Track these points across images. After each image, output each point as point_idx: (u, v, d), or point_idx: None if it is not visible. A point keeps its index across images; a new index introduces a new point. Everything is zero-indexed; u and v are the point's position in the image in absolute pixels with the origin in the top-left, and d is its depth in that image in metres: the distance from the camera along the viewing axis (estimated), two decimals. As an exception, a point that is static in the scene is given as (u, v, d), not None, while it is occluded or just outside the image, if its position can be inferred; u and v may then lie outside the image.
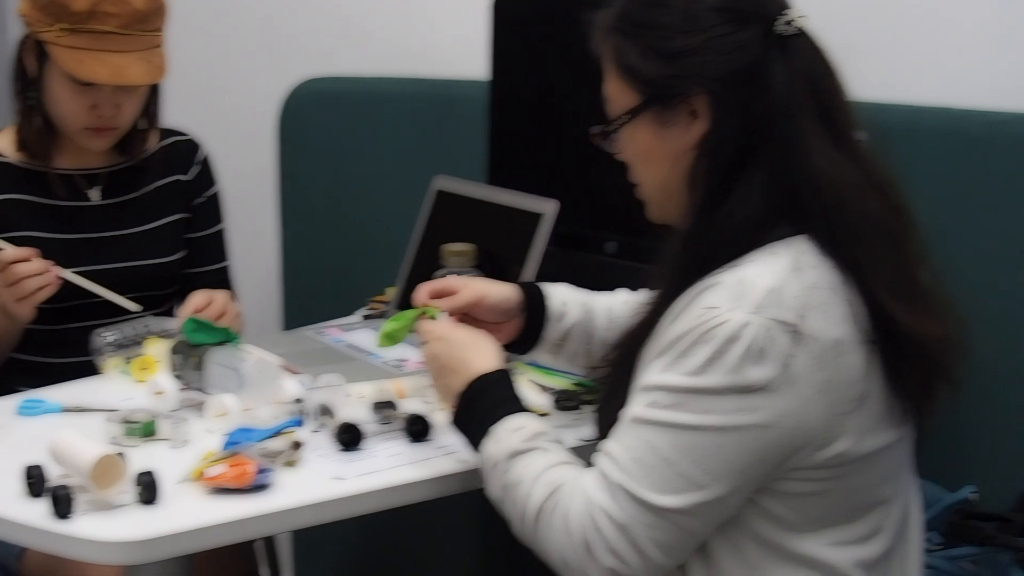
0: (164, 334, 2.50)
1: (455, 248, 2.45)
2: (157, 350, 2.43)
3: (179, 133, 2.86)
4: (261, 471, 1.90)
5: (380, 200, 3.33)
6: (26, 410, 2.25)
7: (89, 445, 1.85)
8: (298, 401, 2.15)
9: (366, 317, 2.90)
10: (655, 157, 1.83)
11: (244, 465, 1.89)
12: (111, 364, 2.46)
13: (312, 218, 3.44)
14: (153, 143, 2.80)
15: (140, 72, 2.56)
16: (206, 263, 2.87)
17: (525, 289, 2.16)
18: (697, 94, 1.76)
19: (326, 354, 2.59)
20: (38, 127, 2.66)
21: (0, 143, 2.71)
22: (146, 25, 2.57)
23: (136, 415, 2.11)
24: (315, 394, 2.15)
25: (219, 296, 2.60)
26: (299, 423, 2.05)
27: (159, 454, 2.05)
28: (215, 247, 2.89)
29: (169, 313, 2.83)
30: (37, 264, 2.49)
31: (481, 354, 1.95)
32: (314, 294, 3.46)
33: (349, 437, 2.07)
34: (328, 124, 3.37)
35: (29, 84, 2.64)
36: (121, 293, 2.63)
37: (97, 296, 2.59)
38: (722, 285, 1.70)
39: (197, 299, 2.59)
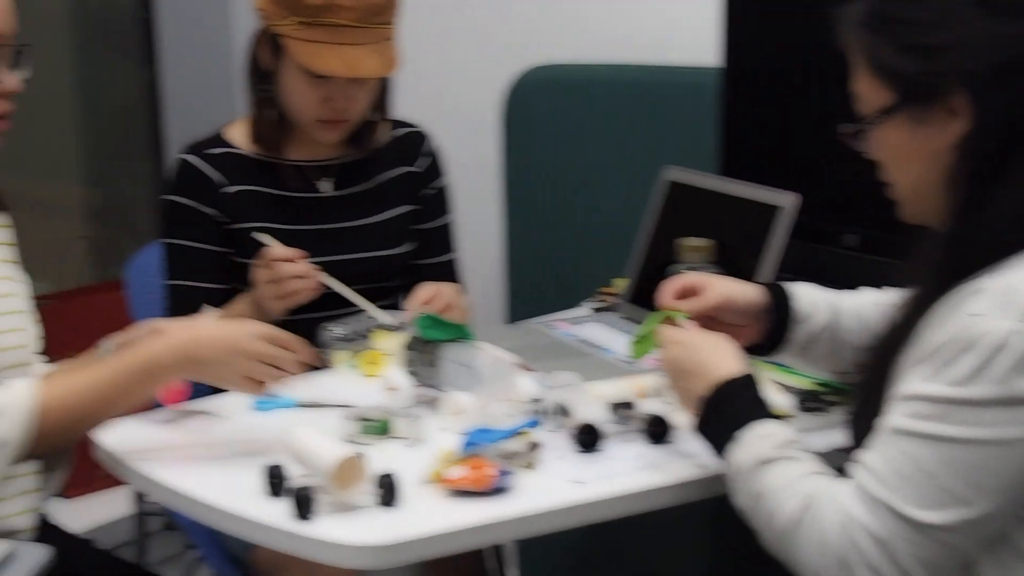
0: (390, 328, 2.48)
1: (692, 243, 2.38)
2: (384, 344, 2.41)
3: (409, 124, 2.84)
4: (501, 474, 1.86)
5: (606, 190, 3.28)
6: (262, 405, 2.25)
7: (330, 445, 1.83)
8: (535, 400, 2.10)
9: (596, 310, 2.84)
10: (910, 157, 1.74)
11: (484, 468, 1.86)
12: (339, 358, 2.44)
13: (537, 208, 3.40)
14: (383, 135, 2.78)
15: (374, 64, 2.55)
16: (434, 255, 2.84)
17: (770, 289, 2.08)
18: (956, 92, 1.67)
19: (557, 349, 2.54)
20: (272, 119, 2.66)
21: (234, 135, 2.72)
22: (379, 18, 2.55)
23: (372, 412, 2.10)
24: (552, 393, 2.10)
25: (446, 289, 2.57)
26: (536, 424, 2.00)
27: (394, 452, 2.04)
28: (443, 239, 2.87)
29: (395, 305, 2.82)
30: (302, 266, 2.51)
31: (724, 358, 1.88)
32: (538, 286, 3.42)
33: (588, 438, 2.02)
34: (554, 112, 3.32)
35: (263, 77, 2.65)
36: (349, 284, 2.62)
37: (326, 289, 2.57)
38: (988, 291, 1.60)
39: (424, 292, 2.57)
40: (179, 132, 4.34)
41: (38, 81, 2.10)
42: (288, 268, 2.50)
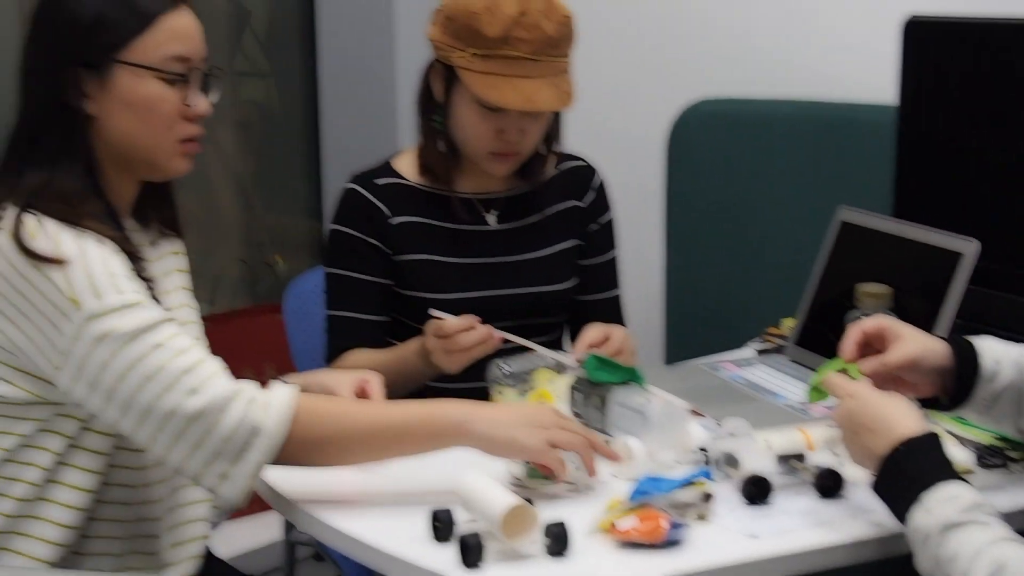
0: (554, 367, 2.44)
1: (870, 290, 2.31)
2: (551, 384, 2.38)
3: (575, 158, 2.80)
4: (674, 526, 1.81)
5: (772, 227, 3.22)
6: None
7: (500, 492, 1.79)
8: (702, 450, 2.05)
9: (760, 352, 2.78)
10: None
11: (656, 519, 1.81)
12: (506, 395, 2.41)
13: (699, 244, 3.36)
14: (550, 168, 2.75)
15: (549, 97, 2.52)
16: (598, 291, 2.80)
17: (954, 344, 2.01)
18: None
19: (724, 393, 2.48)
20: (442, 151, 2.64)
21: (401, 165, 2.70)
22: (556, 50, 2.52)
23: None
24: (720, 442, 2.05)
25: (616, 332, 2.53)
26: (709, 474, 1.95)
27: (560, 498, 2.00)
28: (608, 275, 2.82)
29: (558, 341, 2.79)
30: (480, 332, 2.43)
31: (905, 415, 1.82)
32: (698, 324, 3.37)
33: (757, 491, 1.97)
34: (719, 147, 3.28)
35: (435, 108, 2.63)
36: (512, 319, 2.59)
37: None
38: None
39: (592, 333, 2.53)
40: (337, 160, 4.36)
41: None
42: (466, 339, 2.41)
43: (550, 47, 2.50)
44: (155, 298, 2.01)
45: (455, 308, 2.57)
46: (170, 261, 2.21)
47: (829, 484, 1.98)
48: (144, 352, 1.88)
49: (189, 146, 2.06)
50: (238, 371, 2.13)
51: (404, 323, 2.67)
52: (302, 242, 4.61)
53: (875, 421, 1.82)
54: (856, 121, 3.04)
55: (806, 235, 2.80)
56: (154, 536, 2.08)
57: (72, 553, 2.00)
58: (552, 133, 2.69)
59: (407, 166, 2.70)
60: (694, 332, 3.35)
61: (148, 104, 2.00)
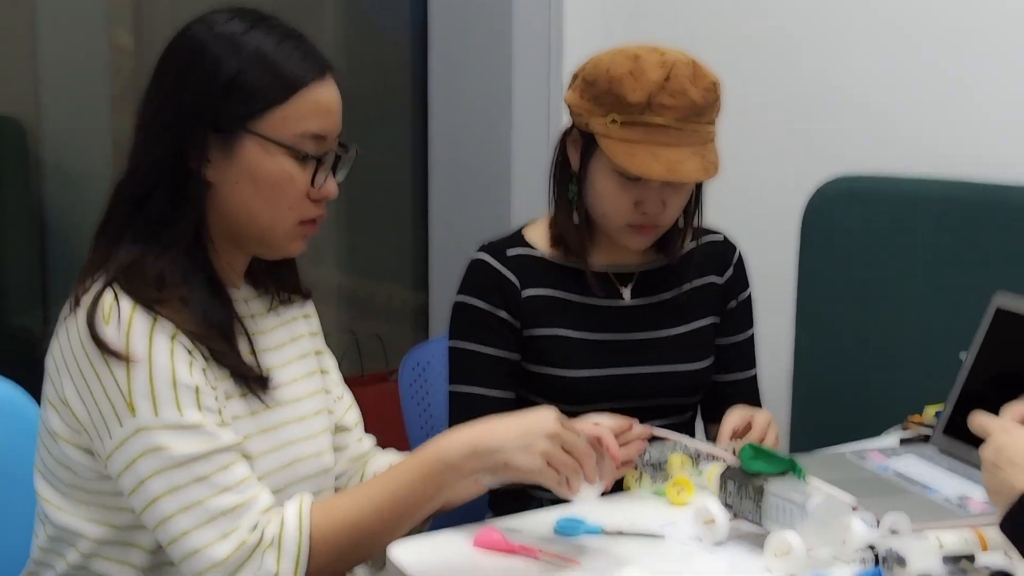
0: (691, 454, 2.33)
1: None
2: (685, 471, 2.27)
3: (713, 232, 2.70)
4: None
5: (910, 312, 3.10)
6: (564, 528, 2.11)
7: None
8: (870, 548, 1.93)
9: (903, 441, 2.65)
10: None
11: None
12: (641, 483, 2.30)
13: (831, 326, 3.24)
14: (688, 242, 2.64)
15: (694, 168, 2.41)
16: (736, 370, 2.70)
17: None
18: None
19: (875, 485, 2.35)
20: (576, 223, 2.54)
21: (533, 236, 2.61)
22: (702, 118, 2.42)
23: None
24: (889, 539, 1.93)
25: (759, 417, 2.42)
26: (880, 574, 1.82)
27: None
28: (745, 354, 2.72)
29: (690, 423, 2.68)
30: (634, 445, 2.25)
31: None
32: (827, 409, 3.25)
33: (927, 593, 1.84)
34: (857, 225, 3.18)
35: (570, 177, 2.54)
36: (645, 398, 2.50)
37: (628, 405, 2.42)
38: None
39: (735, 418, 2.42)
40: (444, 229, 4.27)
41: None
42: (614, 447, 2.17)
43: (695, 114, 2.40)
44: (263, 375, 1.93)
45: (586, 386, 2.49)
46: (298, 326, 2.12)
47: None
48: (185, 482, 1.79)
49: (308, 227, 1.95)
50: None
51: (531, 401, 2.56)
52: (407, 312, 4.53)
53: (1021, 455, 1.74)
54: (1006, 203, 2.92)
55: (946, 320, 2.70)
56: None
57: None
58: (693, 206, 2.58)
59: (539, 237, 2.61)
60: (822, 418, 3.23)
61: (274, 181, 1.88)
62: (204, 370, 1.84)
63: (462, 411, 2.55)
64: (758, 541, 2.01)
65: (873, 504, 2.19)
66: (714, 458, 2.26)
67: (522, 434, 1.85)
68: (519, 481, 1.92)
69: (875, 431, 2.74)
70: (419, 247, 4.49)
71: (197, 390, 1.81)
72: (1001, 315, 2.54)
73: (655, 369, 2.58)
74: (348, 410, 2.22)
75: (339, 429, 2.18)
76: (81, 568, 1.91)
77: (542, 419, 1.87)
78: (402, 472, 1.88)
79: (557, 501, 2.40)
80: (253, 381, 1.92)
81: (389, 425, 2.99)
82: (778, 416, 3.25)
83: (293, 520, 1.82)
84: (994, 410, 2.17)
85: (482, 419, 1.93)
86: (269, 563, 1.79)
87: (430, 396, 2.88)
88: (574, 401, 2.52)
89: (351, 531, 1.85)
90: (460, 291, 2.59)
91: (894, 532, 2.07)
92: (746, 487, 2.05)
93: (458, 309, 2.59)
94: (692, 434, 2.67)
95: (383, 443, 2.31)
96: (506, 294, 2.54)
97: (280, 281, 2.08)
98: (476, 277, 2.58)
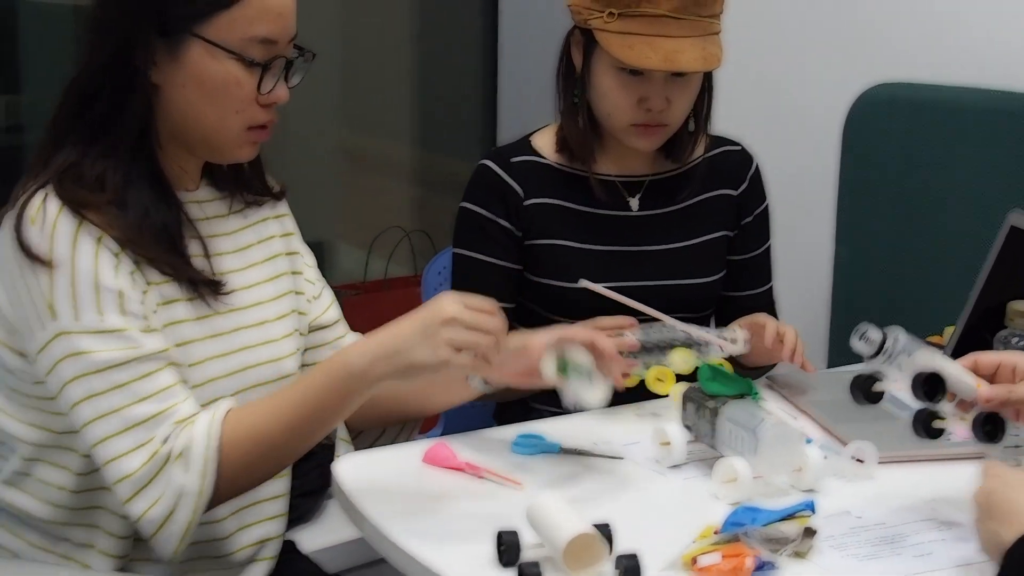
0: (694, 345, 2.30)
1: (1022, 308, 2.11)
2: (680, 363, 2.25)
3: (730, 142, 2.64)
4: (761, 566, 1.67)
5: (948, 226, 3.01)
6: (521, 447, 2.10)
7: (568, 519, 1.66)
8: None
9: (917, 362, 2.59)
10: None
11: (742, 556, 1.66)
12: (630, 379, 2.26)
13: (870, 239, 3.17)
14: (700, 151, 2.59)
15: (693, 58, 2.36)
16: (749, 286, 2.64)
17: None
18: None
19: (861, 408, 2.29)
20: (582, 126, 2.50)
21: (540, 143, 2.58)
22: (702, 10, 2.36)
23: (576, 355, 1.99)
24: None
25: (770, 324, 2.36)
26: (813, 507, 1.79)
27: (652, 517, 1.89)
28: (760, 268, 2.66)
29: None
30: (628, 341, 2.26)
31: None
32: (864, 322, 3.16)
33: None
34: (898, 135, 3.09)
35: (575, 80, 2.50)
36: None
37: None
38: None
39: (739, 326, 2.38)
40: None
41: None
42: (610, 347, 2.15)
43: (695, 4, 2.35)
44: (214, 278, 1.93)
45: (588, 299, 2.45)
46: (268, 227, 2.11)
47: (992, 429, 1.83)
48: (103, 389, 1.80)
49: (257, 133, 1.93)
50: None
51: (532, 311, 2.56)
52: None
53: (1010, 504, 1.63)
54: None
55: (984, 238, 2.59)
56: (220, 539, 1.99)
57: (130, 561, 1.95)
58: (702, 109, 2.53)
59: (546, 144, 2.58)
60: (860, 334, 3.15)
61: (220, 85, 1.86)
62: (132, 274, 1.84)
63: (463, 320, 2.54)
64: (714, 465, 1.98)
65: (851, 429, 2.16)
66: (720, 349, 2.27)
67: (420, 329, 1.80)
68: (431, 374, 1.86)
69: (913, 348, 2.68)
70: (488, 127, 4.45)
71: (121, 294, 1.81)
72: (1016, 233, 2.45)
73: (662, 282, 2.54)
74: (327, 308, 2.20)
75: (317, 328, 2.17)
76: (23, 474, 1.95)
77: (437, 307, 1.81)
78: (309, 383, 1.86)
79: (559, 412, 2.42)
80: (202, 285, 1.92)
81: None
82: (817, 330, 3.21)
83: (202, 432, 1.82)
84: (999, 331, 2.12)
85: (381, 333, 1.89)
86: (177, 476, 1.80)
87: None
88: (576, 314, 2.48)
89: (260, 443, 1.85)
90: (464, 198, 2.57)
91: (858, 460, 2.03)
92: (703, 409, 2.02)
93: (461, 215, 2.57)
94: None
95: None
96: (508, 202, 2.52)
97: (242, 183, 2.07)
98: (479, 184, 2.56)
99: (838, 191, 3.19)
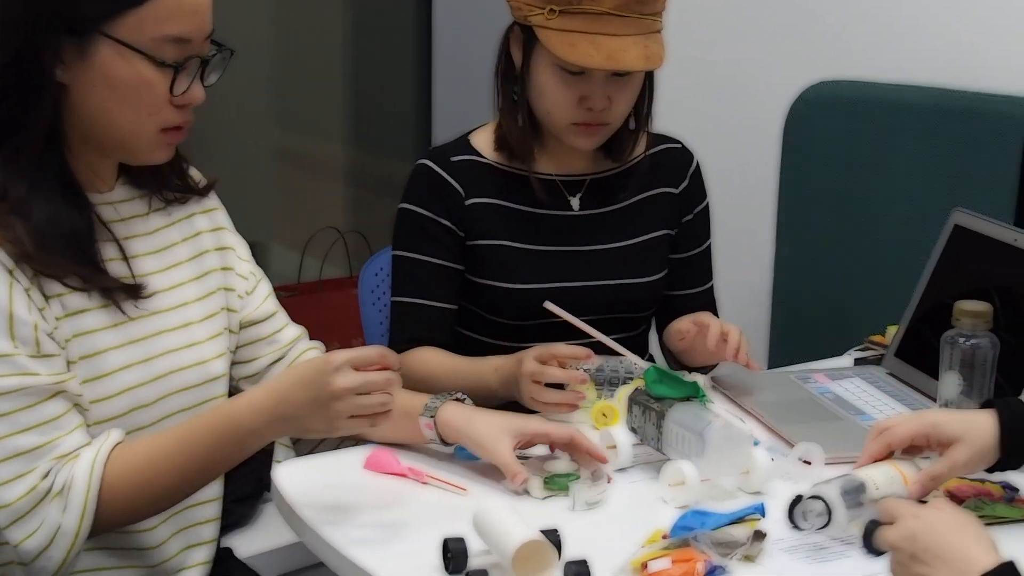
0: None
1: (970, 308, 2.11)
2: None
3: (671, 140, 2.62)
4: (711, 572, 1.66)
5: (891, 225, 3.02)
6: (465, 453, 2.07)
7: (515, 526, 1.65)
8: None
9: (857, 362, 2.59)
10: None
11: (691, 561, 1.66)
12: (589, 392, 2.24)
13: (811, 238, 3.17)
14: (641, 149, 2.57)
15: (636, 57, 2.33)
16: (689, 285, 2.63)
17: (1005, 414, 1.84)
18: None
19: (807, 408, 2.31)
20: (521, 125, 2.48)
21: (478, 142, 2.55)
22: (645, 8, 2.34)
23: (558, 466, 1.96)
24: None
25: (714, 324, 2.34)
26: (763, 510, 1.78)
27: (600, 522, 1.87)
28: (702, 267, 2.64)
29: (643, 338, 2.62)
30: (580, 375, 2.23)
31: (978, 543, 1.53)
32: (807, 324, 3.18)
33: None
34: (839, 133, 3.09)
35: (514, 77, 2.47)
36: (593, 313, 2.41)
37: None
38: None
39: (682, 325, 2.37)
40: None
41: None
42: (561, 376, 2.21)
43: (637, 2, 2.33)
44: (133, 282, 1.87)
45: (530, 299, 2.44)
46: (196, 222, 2.04)
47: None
48: None
49: (172, 135, 1.86)
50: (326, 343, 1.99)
51: (474, 313, 2.53)
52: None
53: (943, 548, 1.53)
54: (988, 113, 2.81)
55: (925, 236, 2.60)
56: (151, 547, 1.94)
57: None
58: (643, 108, 2.51)
59: (485, 142, 2.55)
60: (802, 334, 3.17)
61: (131, 87, 1.78)
62: (28, 291, 1.77)
63: (403, 322, 2.51)
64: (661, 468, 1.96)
65: (797, 430, 2.16)
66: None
67: (312, 399, 1.75)
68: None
69: (846, 350, 2.69)
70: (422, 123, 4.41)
71: (11, 317, 1.74)
72: (958, 232, 2.46)
73: (604, 282, 2.52)
74: (264, 301, 2.12)
75: (251, 323, 2.10)
76: None
77: (325, 380, 1.75)
78: (201, 432, 1.81)
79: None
80: (117, 291, 1.85)
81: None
82: (758, 330, 3.21)
83: (84, 471, 1.75)
84: (943, 330, 2.12)
85: (282, 375, 1.85)
86: (54, 514, 1.75)
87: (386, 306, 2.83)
88: (518, 316, 2.48)
89: (145, 486, 1.79)
90: (403, 198, 2.54)
91: (805, 462, 2.02)
92: (649, 412, 2.00)
93: (401, 216, 2.54)
94: (645, 350, 2.61)
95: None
96: (449, 202, 2.49)
97: (162, 180, 2.00)
98: (419, 183, 2.53)
99: (779, 189, 3.18)
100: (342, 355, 1.77)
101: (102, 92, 1.79)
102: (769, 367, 3.22)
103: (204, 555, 2.02)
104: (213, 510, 2.03)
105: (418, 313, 2.49)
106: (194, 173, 2.06)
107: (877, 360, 2.55)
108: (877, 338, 2.66)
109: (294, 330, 2.18)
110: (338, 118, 4.39)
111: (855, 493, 1.81)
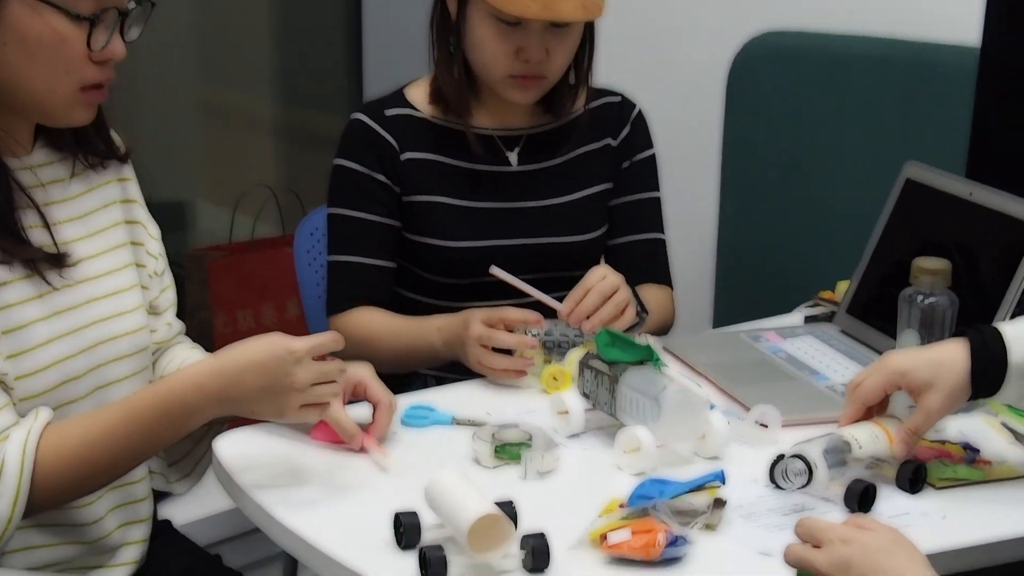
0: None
1: (927, 265, 2.06)
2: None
3: (611, 93, 2.56)
4: (673, 542, 1.61)
5: (837, 179, 2.98)
6: (412, 420, 2.03)
7: (471, 498, 1.59)
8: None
9: (808, 319, 2.55)
10: None
11: (652, 532, 1.60)
12: (537, 360, 2.19)
13: (756, 193, 3.13)
14: (581, 103, 2.51)
15: (574, 7, 2.27)
16: (632, 232, 2.54)
17: (975, 343, 1.80)
18: None
19: (761, 369, 2.26)
20: (457, 78, 2.41)
21: (413, 95, 2.49)
22: None
23: (511, 435, 1.90)
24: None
25: (612, 277, 2.24)
26: (723, 477, 1.73)
27: (554, 491, 1.82)
28: (644, 215, 2.56)
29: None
30: (529, 339, 2.18)
31: (913, 559, 1.48)
32: (752, 281, 3.14)
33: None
34: (784, 85, 3.05)
35: (450, 29, 2.40)
36: (533, 272, 2.36)
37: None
38: None
39: (592, 275, 2.24)
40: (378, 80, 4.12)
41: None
42: (510, 340, 2.17)
43: None
44: (56, 251, 1.79)
45: (467, 257, 2.41)
46: (110, 191, 1.95)
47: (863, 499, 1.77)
48: None
49: (92, 94, 1.77)
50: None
51: (411, 271, 2.48)
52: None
53: (885, 572, 1.48)
54: (936, 63, 2.77)
55: (874, 189, 2.57)
56: (90, 523, 1.88)
57: None
58: (583, 60, 2.45)
59: (420, 96, 2.49)
60: (747, 291, 3.13)
61: (45, 43, 1.70)
62: None
63: (340, 282, 2.46)
64: (615, 434, 1.90)
65: (751, 392, 2.12)
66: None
67: (267, 387, 1.71)
68: None
69: (794, 307, 2.64)
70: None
71: None
72: (911, 186, 2.42)
73: (543, 240, 2.47)
74: (164, 291, 2.05)
75: (150, 311, 2.02)
76: None
77: (286, 371, 1.70)
78: (143, 407, 1.74)
79: (444, 378, 2.36)
80: (40, 261, 1.77)
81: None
82: (703, 290, 3.16)
83: (15, 455, 1.68)
84: (896, 286, 2.08)
85: (229, 350, 1.76)
86: None
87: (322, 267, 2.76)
88: (455, 274, 2.44)
89: (80, 465, 1.72)
90: (337, 154, 2.48)
91: (762, 425, 1.98)
92: (602, 376, 1.95)
93: (336, 173, 2.47)
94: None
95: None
96: (383, 157, 2.43)
97: (84, 143, 1.90)
98: (352, 138, 2.46)
99: (723, 145, 3.14)
100: (302, 344, 1.72)
101: (15, 51, 1.71)
102: (714, 325, 3.19)
103: (142, 532, 1.96)
104: (146, 487, 1.98)
105: (356, 272, 2.44)
106: (115, 137, 1.97)
107: (828, 317, 2.51)
108: (827, 294, 2.62)
109: (179, 325, 2.10)
110: (265, 71, 4.30)
111: (837, 452, 1.78)
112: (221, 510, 3.14)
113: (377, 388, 1.96)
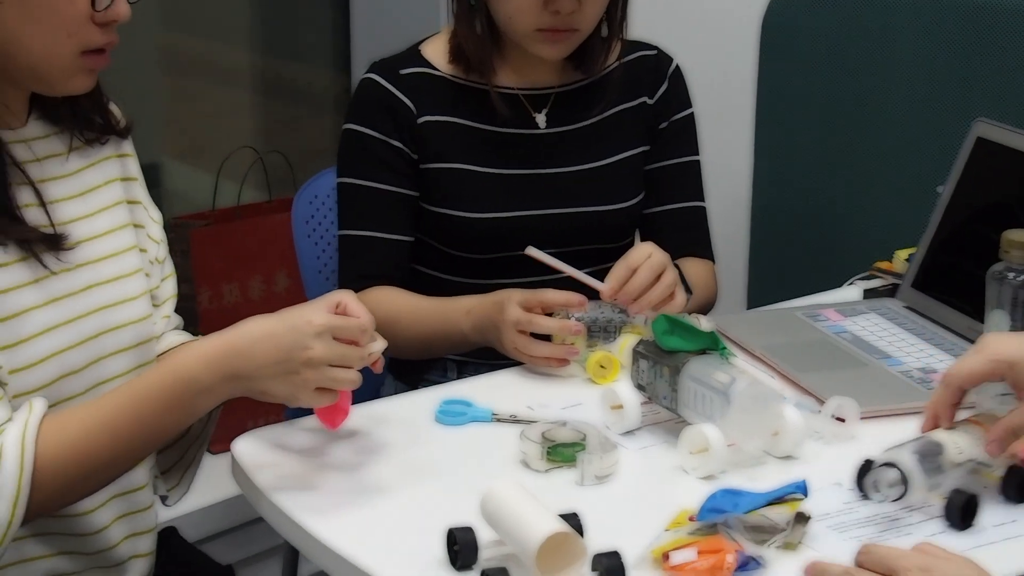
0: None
1: (1019, 239, 1.95)
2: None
3: (646, 47, 2.48)
4: (743, 565, 1.50)
5: (887, 137, 2.90)
6: (448, 417, 1.92)
7: (537, 512, 1.48)
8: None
9: (867, 293, 2.44)
10: None
11: (722, 552, 1.50)
12: (578, 343, 2.08)
13: (794, 154, 3.05)
14: (614, 59, 2.43)
15: None
16: (671, 200, 2.46)
17: None
18: None
19: (826, 353, 2.15)
20: (479, 32, 2.33)
21: (430, 52, 2.41)
22: None
23: (564, 435, 1.79)
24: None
25: (659, 255, 2.12)
26: (805, 489, 1.62)
27: (614, 498, 1.71)
28: (685, 181, 2.48)
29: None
30: (575, 325, 2.07)
31: None
32: (790, 254, 3.05)
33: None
34: (825, 33, 2.96)
35: None
36: (563, 244, 2.30)
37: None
38: None
39: (637, 253, 2.13)
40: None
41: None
42: (552, 326, 2.05)
43: None
44: (53, 231, 1.72)
45: (492, 230, 2.34)
46: (110, 167, 1.88)
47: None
48: None
49: (94, 59, 1.71)
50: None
51: (429, 245, 2.40)
52: (327, 134, 4.25)
53: None
54: (1006, 9, 2.65)
55: (931, 148, 2.47)
56: (93, 532, 1.80)
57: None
58: (616, 12, 2.37)
59: (438, 53, 2.41)
60: (785, 265, 3.04)
61: (45, 3, 1.65)
62: None
63: (353, 258, 2.39)
64: (676, 430, 1.81)
65: (822, 380, 2.02)
66: None
67: (280, 361, 1.66)
68: None
69: (842, 280, 2.56)
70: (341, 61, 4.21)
71: None
72: (982, 145, 2.32)
73: (575, 209, 2.39)
74: (165, 280, 1.98)
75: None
76: None
77: (302, 343, 1.66)
78: (147, 392, 1.68)
79: (467, 362, 2.35)
80: (37, 242, 1.71)
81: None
82: (735, 264, 3.06)
83: (12, 453, 1.61)
84: (970, 258, 1.98)
85: (240, 325, 1.70)
86: None
87: (330, 235, 2.66)
88: (478, 248, 2.37)
89: (83, 462, 1.65)
90: (347, 118, 2.40)
91: (839, 420, 1.87)
92: (660, 367, 1.84)
93: (346, 138, 2.40)
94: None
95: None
96: (399, 120, 2.35)
97: (82, 117, 1.84)
98: (364, 100, 2.39)
99: (756, 99, 3.05)
100: (324, 318, 1.67)
101: (11, 11, 1.64)
102: (748, 306, 3.09)
103: (149, 544, 1.91)
104: (152, 494, 1.92)
105: (370, 247, 2.36)
106: (114, 110, 1.90)
107: (890, 291, 2.41)
108: (885, 265, 2.52)
109: (177, 320, 2.03)
110: (242, 17, 4.19)
111: (932, 457, 1.65)
112: (214, 502, 3.13)
113: (356, 308, 1.82)
